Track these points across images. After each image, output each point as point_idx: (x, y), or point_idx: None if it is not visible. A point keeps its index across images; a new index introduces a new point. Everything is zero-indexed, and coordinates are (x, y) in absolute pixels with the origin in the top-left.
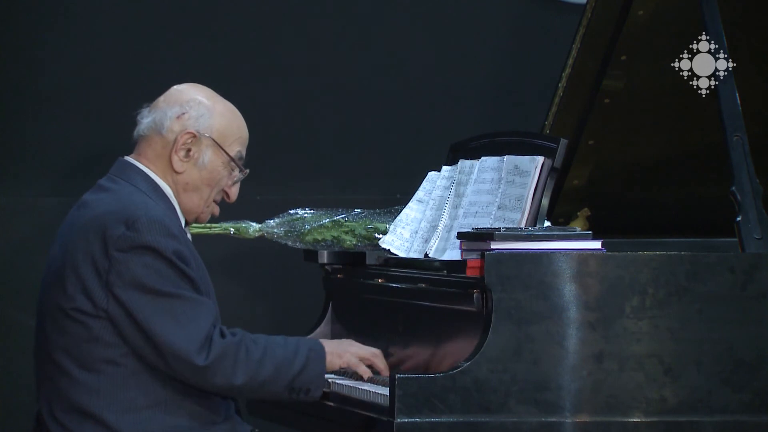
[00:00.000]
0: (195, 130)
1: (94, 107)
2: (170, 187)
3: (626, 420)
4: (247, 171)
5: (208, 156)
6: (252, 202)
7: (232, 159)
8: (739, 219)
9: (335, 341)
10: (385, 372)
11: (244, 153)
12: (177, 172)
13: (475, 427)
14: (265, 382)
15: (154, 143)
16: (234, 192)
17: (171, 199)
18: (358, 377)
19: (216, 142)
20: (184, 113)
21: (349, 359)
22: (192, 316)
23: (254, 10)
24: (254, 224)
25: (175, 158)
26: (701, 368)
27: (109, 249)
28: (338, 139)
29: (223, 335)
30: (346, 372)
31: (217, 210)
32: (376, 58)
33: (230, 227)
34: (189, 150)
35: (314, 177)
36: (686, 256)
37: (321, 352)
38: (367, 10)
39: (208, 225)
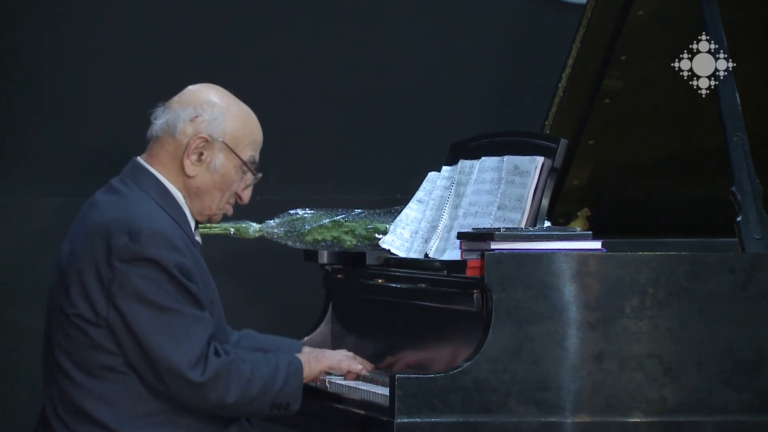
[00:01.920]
0: (208, 134)
1: (95, 107)
2: (181, 191)
3: (626, 420)
4: (260, 175)
5: (220, 160)
6: (252, 202)
7: (244, 163)
8: (739, 219)
9: (307, 354)
10: (366, 368)
11: (257, 157)
12: (189, 176)
13: (475, 427)
14: (253, 400)
15: (167, 145)
16: (246, 195)
17: (181, 204)
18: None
19: (228, 147)
20: (197, 116)
21: (327, 362)
22: (188, 332)
23: (254, 11)
24: (254, 224)
25: (187, 162)
26: (701, 368)
27: (113, 259)
28: (338, 139)
29: (217, 353)
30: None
31: (230, 211)
32: (376, 58)
33: (230, 227)
34: (201, 154)
35: (314, 177)
36: (686, 256)
37: (299, 365)
38: (368, 10)
39: (209, 225)
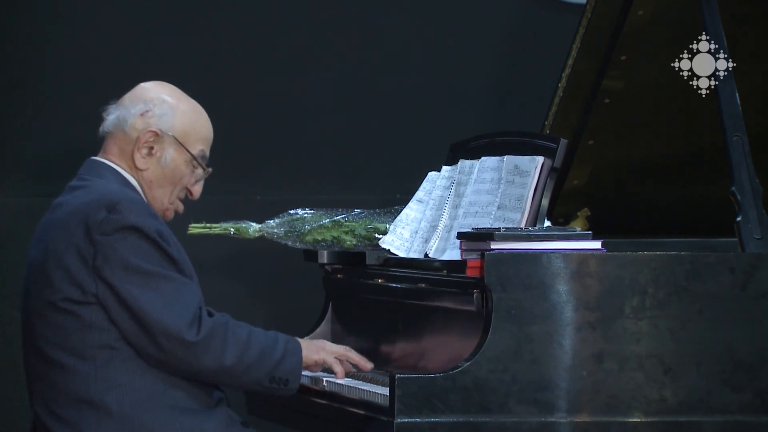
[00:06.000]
0: (158, 128)
1: (96, 107)
2: (137, 182)
3: (626, 420)
4: (210, 170)
5: (170, 154)
6: (252, 202)
7: (194, 158)
8: (739, 219)
9: (307, 340)
10: (363, 364)
11: (207, 152)
12: (140, 169)
13: (475, 427)
14: (250, 366)
15: (119, 140)
16: (197, 190)
17: (141, 193)
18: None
19: (178, 141)
20: (147, 111)
21: (324, 356)
22: (179, 294)
23: (253, 10)
24: (254, 224)
25: (137, 156)
26: (701, 368)
27: (93, 234)
28: (338, 139)
29: (210, 314)
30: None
31: (180, 207)
32: (376, 58)
33: (230, 227)
34: (151, 148)
35: (314, 177)
36: (686, 256)
37: (297, 345)
38: (368, 10)
39: (208, 225)
